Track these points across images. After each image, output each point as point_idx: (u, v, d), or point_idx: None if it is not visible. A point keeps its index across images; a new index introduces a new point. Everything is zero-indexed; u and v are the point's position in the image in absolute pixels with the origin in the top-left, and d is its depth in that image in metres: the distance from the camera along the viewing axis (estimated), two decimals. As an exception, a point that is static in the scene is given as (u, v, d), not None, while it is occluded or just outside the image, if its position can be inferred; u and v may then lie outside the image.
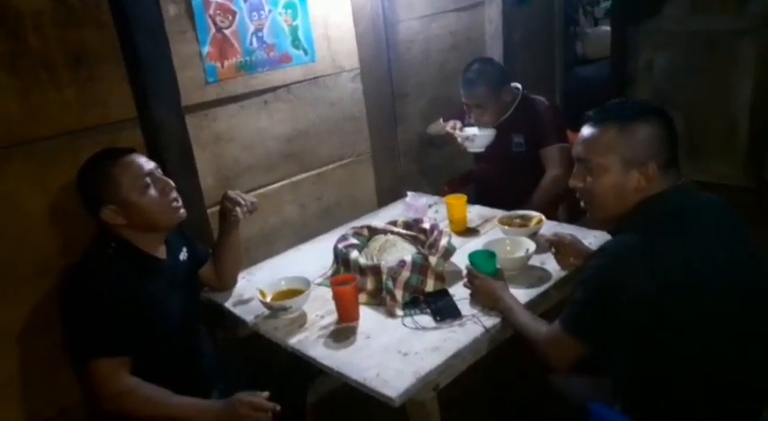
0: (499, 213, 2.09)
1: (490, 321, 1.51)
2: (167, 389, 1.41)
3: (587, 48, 6.98)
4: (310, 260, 1.99)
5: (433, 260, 1.68)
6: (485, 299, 1.58)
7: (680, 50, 3.89)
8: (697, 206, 1.26)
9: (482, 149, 2.40)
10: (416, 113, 2.70)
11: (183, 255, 1.66)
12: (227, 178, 2.02)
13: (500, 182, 2.49)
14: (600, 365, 1.40)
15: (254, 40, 2.00)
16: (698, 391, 1.21)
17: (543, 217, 1.96)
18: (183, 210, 1.54)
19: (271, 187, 2.17)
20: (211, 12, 1.87)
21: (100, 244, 1.46)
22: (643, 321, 1.20)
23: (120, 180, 1.42)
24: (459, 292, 1.66)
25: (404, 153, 2.64)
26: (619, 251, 1.23)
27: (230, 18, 1.92)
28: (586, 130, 1.30)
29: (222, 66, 1.93)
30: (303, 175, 2.27)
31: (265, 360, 1.74)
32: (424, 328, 1.52)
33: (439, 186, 2.70)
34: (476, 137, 2.37)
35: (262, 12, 1.99)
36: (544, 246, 1.81)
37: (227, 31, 1.92)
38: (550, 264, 1.77)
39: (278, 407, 1.38)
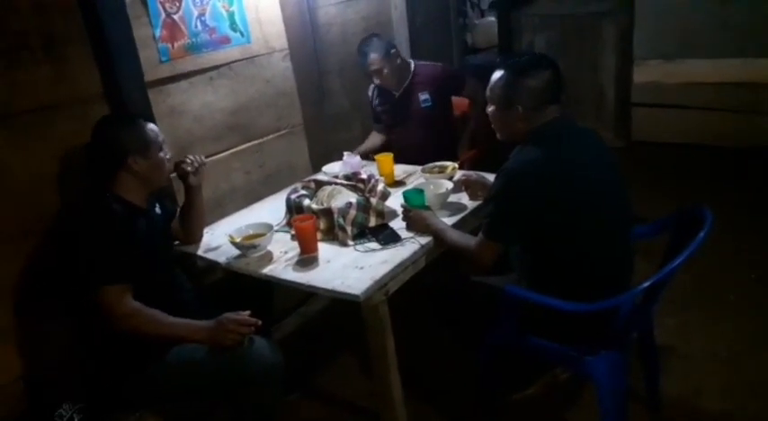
0: (419, 168, 2.49)
1: (424, 240, 1.90)
2: None
3: (476, 37, 7.54)
4: (263, 215, 2.28)
5: (373, 201, 2.04)
6: (418, 226, 1.96)
7: (554, 31, 4.51)
8: (574, 132, 1.71)
9: None
10: (339, 89, 3.05)
11: (158, 209, 1.93)
12: (183, 148, 2.26)
13: (415, 141, 2.86)
14: (507, 266, 1.84)
15: (199, 23, 2.26)
16: (579, 267, 1.67)
17: (456, 164, 2.38)
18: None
19: (220, 155, 2.44)
20: (161, -1, 2.12)
21: (96, 195, 1.72)
22: (538, 221, 1.63)
23: (149, 138, 1.78)
24: (397, 225, 2.03)
25: (331, 125, 2.98)
26: (513, 169, 1.65)
27: (177, 4, 2.17)
28: (494, 72, 1.72)
29: (173, 46, 2.18)
30: (246, 145, 2.55)
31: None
32: (373, 251, 1.89)
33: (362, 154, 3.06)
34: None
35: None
36: (459, 186, 2.22)
37: (175, 16, 2.17)
38: (465, 199, 2.19)
39: (259, 322, 1.68)
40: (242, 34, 2.43)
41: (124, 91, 1.94)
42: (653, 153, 4.32)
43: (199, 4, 2.24)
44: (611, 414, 1.69)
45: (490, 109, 1.76)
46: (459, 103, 3.05)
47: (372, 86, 2.97)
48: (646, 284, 1.55)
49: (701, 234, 1.57)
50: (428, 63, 2.92)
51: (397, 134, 3.00)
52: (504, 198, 1.67)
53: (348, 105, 3.13)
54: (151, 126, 1.81)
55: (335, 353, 2.56)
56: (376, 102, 2.99)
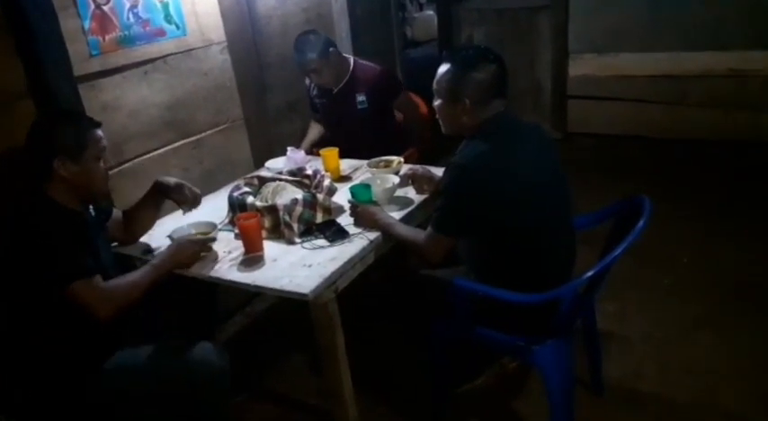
0: (364, 162, 2.47)
1: (373, 235, 1.89)
2: None
3: (416, 31, 7.61)
4: (205, 213, 2.19)
5: (320, 197, 2.01)
6: (366, 222, 1.95)
7: (493, 25, 4.57)
8: (519, 126, 1.73)
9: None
10: (281, 82, 2.99)
11: (91, 211, 1.83)
12: (117, 144, 2.17)
13: (352, 141, 2.75)
14: (456, 259, 1.85)
15: (131, 15, 2.15)
16: (525, 259, 1.70)
17: (402, 158, 2.38)
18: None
19: (156, 152, 2.34)
20: (89, -12, 2.00)
21: (25, 196, 1.62)
22: (485, 214, 1.65)
23: (88, 145, 1.64)
24: (345, 221, 2.01)
25: (273, 118, 2.92)
26: (462, 163, 1.66)
27: (108, -5, 2.07)
28: (440, 66, 1.72)
29: (104, 40, 2.07)
30: (184, 141, 2.46)
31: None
32: (320, 248, 1.86)
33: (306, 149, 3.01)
34: None
35: (136, -10, 2.15)
36: (405, 180, 2.22)
37: (105, 8, 2.06)
38: (412, 193, 2.19)
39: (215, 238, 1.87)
40: (177, 26, 2.34)
41: (52, 86, 1.83)
42: (589, 144, 4.46)
43: (131, -4, 2.14)
44: (559, 400, 1.73)
45: (437, 103, 1.76)
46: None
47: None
48: (588, 274, 1.59)
49: (641, 223, 1.63)
50: (369, 64, 2.85)
51: (334, 132, 2.94)
52: (452, 192, 1.68)
53: (291, 98, 3.07)
54: (97, 134, 1.67)
55: (283, 352, 2.52)
56: (314, 93, 2.93)
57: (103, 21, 2.06)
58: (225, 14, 2.54)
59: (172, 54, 2.34)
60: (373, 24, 3.68)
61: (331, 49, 2.68)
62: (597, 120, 4.47)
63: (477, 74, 1.65)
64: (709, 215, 3.25)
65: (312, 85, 2.92)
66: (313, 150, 2.82)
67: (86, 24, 2.01)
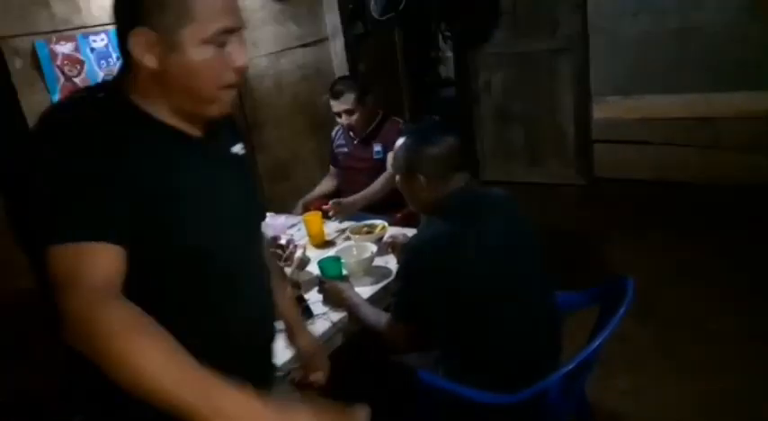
0: (350, 224, 2.36)
1: (337, 316, 1.74)
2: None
3: (450, 70, 7.53)
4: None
5: (288, 271, 1.89)
6: (334, 300, 1.81)
7: (511, 69, 4.43)
8: (482, 202, 1.57)
9: None
10: (276, 140, 2.93)
11: (238, 148, 1.14)
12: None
13: (361, 189, 2.76)
14: (427, 343, 1.68)
15: (105, 85, 2.13)
16: (494, 351, 1.51)
17: (386, 224, 2.25)
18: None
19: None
20: (59, 63, 1.99)
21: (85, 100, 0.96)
22: (443, 301, 1.48)
23: (196, 9, 0.90)
24: (315, 296, 1.88)
25: (267, 178, 2.86)
26: (415, 247, 1.53)
27: (78, 67, 2.05)
28: (397, 142, 1.62)
29: (75, 111, 2.05)
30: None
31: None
32: (281, 330, 1.72)
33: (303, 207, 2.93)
34: None
35: (110, 59, 2.13)
36: (385, 248, 2.08)
37: (76, 80, 2.05)
38: (393, 262, 2.04)
39: None
40: (158, 93, 2.30)
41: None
42: (616, 189, 4.21)
43: (104, 66, 2.12)
44: None
45: (396, 178, 1.64)
46: None
47: (337, 128, 2.93)
48: (564, 370, 1.40)
49: (621, 310, 1.44)
50: (396, 119, 2.93)
51: (347, 178, 2.95)
52: (406, 276, 1.55)
53: (284, 157, 3.01)
54: None
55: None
56: (337, 142, 2.95)
57: (74, 93, 2.04)
58: (211, 77, 2.50)
59: (152, 120, 2.30)
60: (378, 74, 3.59)
61: (366, 95, 2.76)
62: (625, 165, 4.22)
63: (431, 148, 1.52)
64: (746, 270, 2.95)
65: (337, 135, 2.94)
66: (310, 207, 2.74)
67: (55, 98, 1.99)
